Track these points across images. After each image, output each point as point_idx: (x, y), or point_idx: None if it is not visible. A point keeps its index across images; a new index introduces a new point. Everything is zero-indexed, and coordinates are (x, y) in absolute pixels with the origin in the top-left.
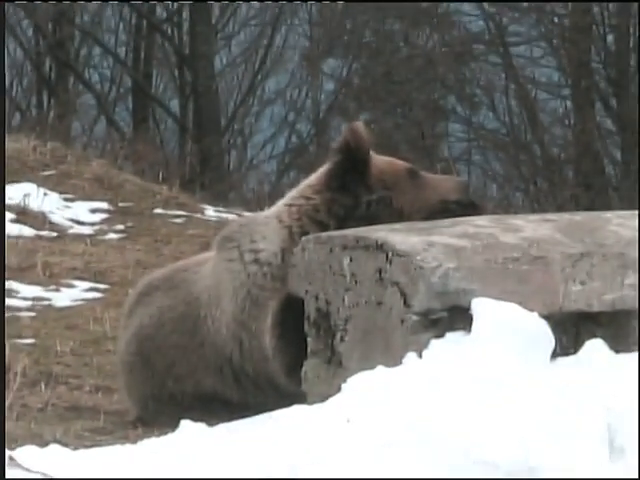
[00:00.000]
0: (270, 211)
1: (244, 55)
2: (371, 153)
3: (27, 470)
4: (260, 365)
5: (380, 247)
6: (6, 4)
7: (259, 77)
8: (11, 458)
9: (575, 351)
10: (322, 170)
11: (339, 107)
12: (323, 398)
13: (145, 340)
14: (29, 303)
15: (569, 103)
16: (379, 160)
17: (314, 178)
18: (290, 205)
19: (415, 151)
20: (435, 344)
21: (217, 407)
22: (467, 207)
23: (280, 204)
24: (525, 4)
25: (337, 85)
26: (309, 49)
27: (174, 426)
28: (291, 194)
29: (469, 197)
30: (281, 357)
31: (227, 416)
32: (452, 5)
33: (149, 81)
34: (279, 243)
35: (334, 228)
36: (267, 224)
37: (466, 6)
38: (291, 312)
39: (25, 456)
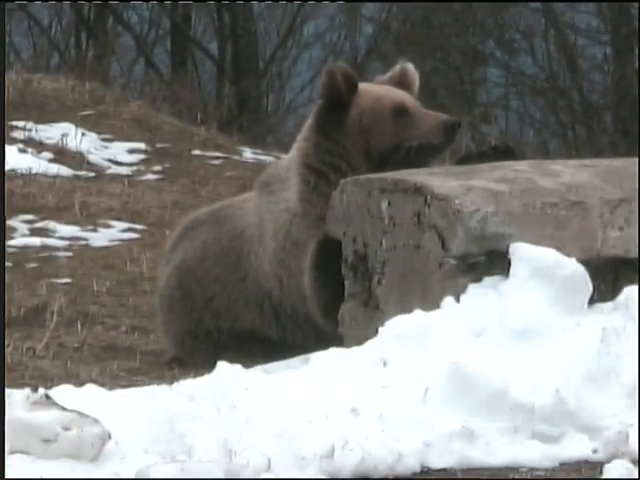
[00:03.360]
0: (290, 154)
1: None
2: (360, 91)
3: (63, 408)
4: (298, 303)
5: (419, 190)
6: None
7: (298, 20)
8: (47, 396)
9: (613, 297)
10: (313, 113)
11: (377, 51)
12: (360, 341)
13: (187, 273)
14: (66, 243)
15: (608, 49)
16: (367, 98)
17: (309, 120)
18: (297, 149)
19: (453, 96)
20: (472, 288)
21: (253, 346)
22: (504, 153)
23: (295, 145)
24: None
25: (376, 29)
26: None
27: (210, 366)
28: (300, 134)
29: (506, 143)
30: (318, 298)
31: (262, 356)
32: None
33: (188, 23)
34: (297, 192)
35: (332, 173)
36: (289, 170)
37: None
38: (329, 254)
39: (61, 395)
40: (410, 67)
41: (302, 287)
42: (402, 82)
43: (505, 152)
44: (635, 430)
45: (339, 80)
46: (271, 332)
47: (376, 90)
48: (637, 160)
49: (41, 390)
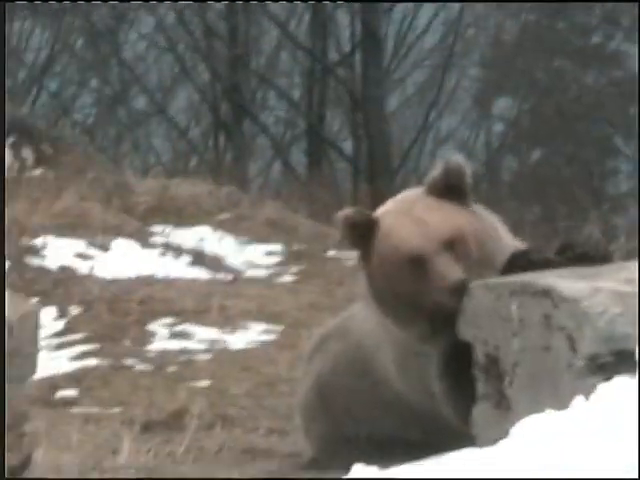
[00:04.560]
0: None
1: (417, 96)
2: (380, 234)
3: None
4: (428, 406)
5: (547, 293)
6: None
7: (431, 118)
8: None
9: None
10: None
11: (509, 147)
12: (493, 442)
13: (323, 385)
14: (205, 346)
15: None
16: (385, 245)
17: None
18: None
19: (584, 188)
20: (602, 388)
21: (394, 451)
22: (578, 258)
23: None
24: None
25: (507, 125)
26: (480, 90)
27: (348, 469)
28: None
29: (583, 248)
30: (453, 404)
31: (402, 459)
32: (619, 45)
33: (323, 123)
34: None
35: None
36: None
37: (632, 47)
38: (457, 359)
39: None
40: (453, 165)
41: (430, 390)
42: (450, 183)
43: (579, 258)
44: None
45: (349, 231)
46: (412, 433)
47: (395, 234)
48: None
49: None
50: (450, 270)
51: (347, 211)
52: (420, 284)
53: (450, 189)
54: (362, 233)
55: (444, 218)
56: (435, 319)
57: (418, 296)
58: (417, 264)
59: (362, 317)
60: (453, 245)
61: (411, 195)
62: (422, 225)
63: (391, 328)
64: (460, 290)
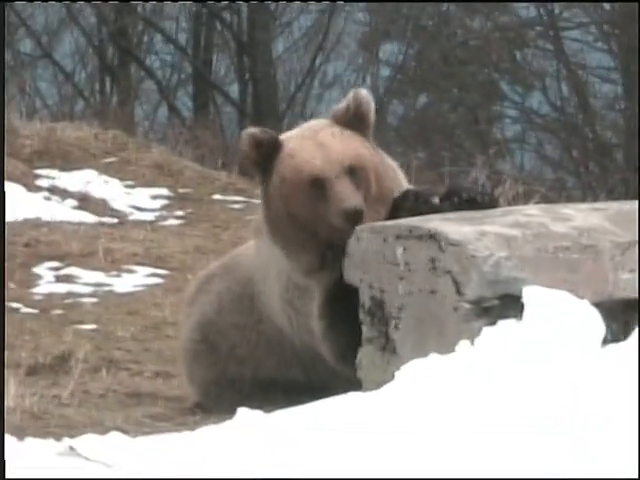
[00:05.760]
0: None
1: (302, 41)
2: (282, 155)
3: (86, 459)
4: (309, 342)
5: (433, 237)
6: None
7: (317, 62)
8: (71, 447)
9: (625, 338)
10: None
11: (396, 91)
12: (378, 385)
13: (207, 325)
14: (91, 289)
15: (620, 88)
16: (287, 165)
17: None
18: None
19: (469, 133)
20: (487, 332)
21: (277, 394)
22: (467, 202)
23: None
24: None
25: (393, 70)
26: (366, 35)
27: (232, 412)
28: None
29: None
30: (330, 344)
31: (285, 403)
32: None
33: (209, 67)
34: None
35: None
36: None
37: None
38: (339, 299)
39: (85, 445)
40: (362, 96)
41: (310, 327)
42: (357, 114)
43: (466, 203)
44: None
45: (253, 150)
46: (294, 373)
47: (298, 155)
48: None
49: (66, 440)
50: (349, 194)
51: (253, 129)
52: (318, 206)
53: (356, 121)
54: (265, 152)
55: (348, 145)
56: (326, 249)
57: (314, 220)
58: (317, 186)
59: (252, 252)
60: (354, 172)
61: (317, 123)
62: (325, 149)
63: (280, 258)
64: (356, 217)
